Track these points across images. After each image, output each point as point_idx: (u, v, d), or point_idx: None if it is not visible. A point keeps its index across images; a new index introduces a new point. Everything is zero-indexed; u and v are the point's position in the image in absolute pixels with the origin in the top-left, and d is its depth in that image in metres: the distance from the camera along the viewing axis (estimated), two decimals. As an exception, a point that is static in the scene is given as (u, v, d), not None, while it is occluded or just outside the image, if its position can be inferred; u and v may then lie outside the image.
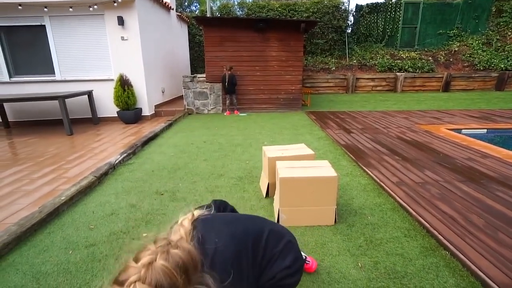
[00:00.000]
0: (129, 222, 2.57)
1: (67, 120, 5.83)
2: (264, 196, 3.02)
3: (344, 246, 2.21)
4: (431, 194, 2.94)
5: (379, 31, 14.00)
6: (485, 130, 5.89)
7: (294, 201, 2.43)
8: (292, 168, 2.51)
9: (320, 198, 2.42)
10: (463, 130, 5.83)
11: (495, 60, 12.32)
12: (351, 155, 4.24)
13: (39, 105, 6.95)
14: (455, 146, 4.58)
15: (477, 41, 13.27)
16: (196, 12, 17.11)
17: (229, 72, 7.49)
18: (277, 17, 12.52)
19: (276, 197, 2.67)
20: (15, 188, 3.29)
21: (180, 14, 11.07)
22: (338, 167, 3.85)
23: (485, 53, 12.77)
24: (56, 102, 5.87)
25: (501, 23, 13.48)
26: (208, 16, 10.60)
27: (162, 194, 3.14)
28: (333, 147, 4.76)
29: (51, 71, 6.98)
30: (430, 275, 1.88)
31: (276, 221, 2.51)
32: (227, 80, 7.50)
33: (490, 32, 13.47)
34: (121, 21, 6.64)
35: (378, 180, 3.33)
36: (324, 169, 2.51)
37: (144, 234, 2.37)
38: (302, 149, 3.09)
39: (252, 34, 7.60)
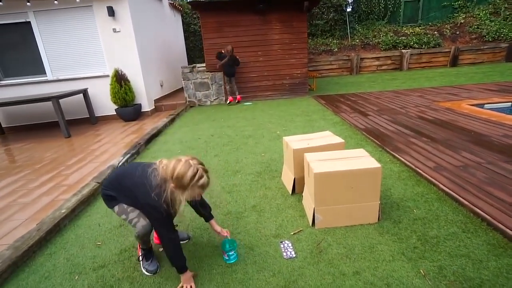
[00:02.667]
0: (141, 235, 2.24)
1: (63, 121, 5.46)
2: (290, 193, 2.68)
3: (396, 248, 1.88)
4: (478, 179, 2.60)
5: (380, 7, 13.40)
6: (510, 103, 5.50)
7: (331, 199, 2.10)
8: (325, 160, 2.17)
9: (362, 194, 2.10)
10: (485, 105, 5.45)
11: (505, 30, 11.79)
12: (375, 140, 3.88)
13: (33, 108, 6.56)
14: (484, 123, 4.21)
15: (484, 11, 12.69)
16: (188, 0, 16.42)
17: (231, 54, 6.96)
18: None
19: (307, 194, 2.34)
20: (10, 202, 2.95)
21: (172, 2, 10.51)
22: (363, 154, 3.50)
23: (493, 23, 12.22)
24: (50, 103, 5.48)
25: (509, -10, 12.85)
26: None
27: (174, 198, 2.81)
28: (352, 132, 4.40)
29: (42, 71, 6.55)
30: (512, 281, 1.55)
31: (311, 223, 2.18)
32: (228, 62, 6.98)
33: (498, 1, 12.87)
34: (111, 12, 6.17)
35: (413, 166, 2.98)
36: (363, 159, 2.17)
37: (161, 249, 2.05)
38: (329, 137, 2.73)
39: (252, 17, 7.11)
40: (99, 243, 2.18)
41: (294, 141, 2.68)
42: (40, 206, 2.78)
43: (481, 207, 2.18)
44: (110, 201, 1.74)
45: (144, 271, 1.85)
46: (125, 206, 1.71)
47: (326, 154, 2.29)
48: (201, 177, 1.46)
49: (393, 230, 2.07)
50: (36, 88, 6.50)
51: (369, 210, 2.14)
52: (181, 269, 1.65)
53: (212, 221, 1.99)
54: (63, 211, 2.51)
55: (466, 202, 2.27)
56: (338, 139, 2.65)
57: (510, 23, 11.95)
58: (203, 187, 1.49)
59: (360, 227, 2.13)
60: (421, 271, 1.68)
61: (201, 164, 1.52)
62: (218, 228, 1.97)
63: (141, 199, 1.56)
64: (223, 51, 7.00)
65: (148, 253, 1.86)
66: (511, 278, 1.57)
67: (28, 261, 2.02)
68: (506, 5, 12.47)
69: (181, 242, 1.93)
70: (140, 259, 1.88)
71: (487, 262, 1.70)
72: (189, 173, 1.43)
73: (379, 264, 1.76)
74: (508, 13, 12.25)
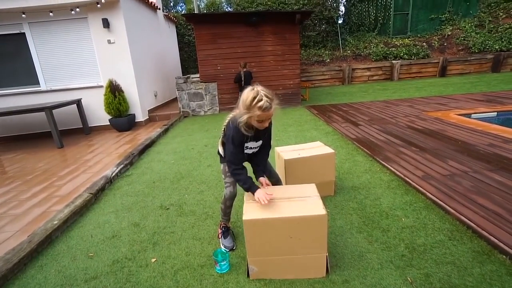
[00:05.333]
0: (134, 246, 2.25)
1: (56, 132, 5.45)
2: (282, 202, 2.71)
3: (385, 256, 1.93)
4: (464, 188, 2.68)
5: (371, 19, 13.79)
6: (495, 113, 5.67)
7: (266, 250, 1.76)
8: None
9: (304, 244, 1.73)
10: (473, 114, 5.61)
11: (490, 42, 12.20)
12: (365, 150, 3.97)
13: (26, 118, 6.54)
14: (471, 132, 4.34)
15: (469, 24, 13.14)
16: (183, 12, 16.66)
17: (244, 70, 6.99)
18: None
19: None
20: (1, 213, 2.93)
21: (167, 14, 10.67)
22: (354, 164, 3.57)
23: (478, 35, 12.65)
24: (43, 114, 5.48)
25: (492, 4, 13.37)
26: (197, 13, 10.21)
27: (167, 208, 2.82)
28: (344, 142, 4.48)
29: (36, 82, 6.56)
30: None
31: (246, 274, 1.87)
32: (243, 79, 6.98)
33: (482, 14, 13.36)
34: (106, 24, 6.25)
35: (402, 176, 3.06)
36: (308, 202, 1.78)
37: (153, 259, 2.06)
38: (319, 148, 2.80)
39: (245, 29, 7.26)
40: (91, 254, 2.18)
41: (285, 152, 2.74)
42: (31, 217, 2.77)
43: (467, 215, 2.24)
44: (223, 158, 2.09)
45: (222, 247, 2.13)
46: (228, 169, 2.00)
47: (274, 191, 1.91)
48: (260, 100, 1.65)
49: (382, 238, 2.12)
50: (29, 99, 6.49)
51: (314, 263, 1.78)
52: (248, 189, 1.87)
53: (261, 179, 2.07)
54: (55, 222, 2.50)
55: (453, 211, 2.33)
56: (328, 150, 2.71)
57: (494, 35, 12.37)
58: (261, 108, 1.66)
59: (350, 234, 2.17)
60: (408, 278, 1.73)
61: (268, 92, 1.71)
62: (263, 181, 2.04)
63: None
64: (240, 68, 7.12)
65: (226, 232, 2.20)
66: (494, 284, 1.63)
67: (18, 274, 2.01)
68: (490, 18, 12.95)
69: (228, 249, 2.13)
70: (219, 237, 2.21)
71: (472, 269, 1.76)
72: (251, 96, 1.67)
73: (368, 272, 1.80)
74: (492, 26, 12.71)
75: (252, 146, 1.95)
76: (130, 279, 1.89)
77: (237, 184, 2.08)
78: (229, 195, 2.06)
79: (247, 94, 1.70)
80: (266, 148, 2.09)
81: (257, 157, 2.08)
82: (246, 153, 1.97)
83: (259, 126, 1.77)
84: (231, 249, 2.11)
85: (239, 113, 1.76)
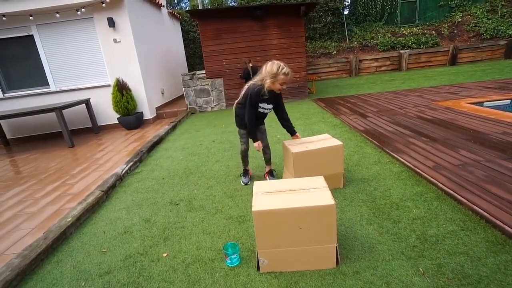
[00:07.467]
0: (145, 241, 2.29)
1: (66, 132, 5.55)
2: (291, 196, 2.72)
3: (395, 247, 1.91)
4: (476, 177, 2.62)
5: (377, 9, 13.50)
6: (509, 100, 5.52)
7: (276, 241, 1.77)
8: (272, 193, 1.85)
9: (313, 235, 1.74)
10: (485, 102, 5.47)
11: (502, 27, 11.82)
12: (374, 141, 3.92)
13: (37, 119, 6.67)
14: (483, 121, 4.24)
15: (481, 9, 12.74)
16: (187, 8, 16.64)
17: (251, 65, 6.86)
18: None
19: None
20: (17, 212, 3.02)
21: (171, 11, 10.67)
22: (363, 155, 3.54)
23: (490, 21, 12.26)
24: (53, 114, 5.58)
25: (505, -12, 12.90)
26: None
27: (177, 204, 2.86)
28: (352, 134, 4.43)
29: (45, 83, 6.67)
30: (510, 278, 1.57)
31: (256, 268, 1.87)
32: (252, 74, 6.88)
33: (494, -1, 12.92)
34: (111, 23, 6.29)
35: (412, 166, 3.01)
36: (317, 193, 1.80)
37: (165, 254, 2.09)
38: (327, 140, 2.78)
39: (249, 23, 7.20)
40: (104, 250, 2.23)
41: (293, 145, 2.72)
42: (46, 215, 2.84)
43: (480, 204, 2.20)
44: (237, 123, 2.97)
45: (242, 183, 3.12)
46: (242, 131, 2.95)
47: (277, 185, 1.97)
48: (283, 68, 2.45)
49: (392, 229, 2.10)
50: (39, 100, 6.61)
51: (324, 253, 1.79)
52: (251, 135, 2.80)
53: (297, 135, 2.93)
54: (69, 219, 2.56)
55: (465, 201, 2.29)
56: (336, 142, 2.69)
57: (507, 20, 11.98)
58: (285, 74, 2.45)
59: (360, 227, 2.16)
60: (420, 269, 1.71)
61: (283, 63, 2.48)
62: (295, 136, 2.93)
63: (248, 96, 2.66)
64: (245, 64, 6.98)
65: (246, 172, 3.18)
66: (509, 274, 1.60)
67: (36, 269, 2.07)
68: (503, 3, 12.52)
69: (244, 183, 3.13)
70: (240, 175, 3.24)
71: (486, 259, 1.73)
72: (275, 67, 2.44)
73: (379, 263, 1.79)
74: (505, 10, 12.29)
75: (264, 107, 2.70)
76: (142, 273, 1.92)
77: (249, 140, 2.96)
78: (243, 149, 3.05)
79: (271, 66, 2.45)
80: (281, 107, 2.84)
81: (281, 114, 2.88)
82: (260, 111, 2.73)
83: (280, 88, 2.54)
84: (246, 184, 3.08)
85: (261, 81, 2.53)
